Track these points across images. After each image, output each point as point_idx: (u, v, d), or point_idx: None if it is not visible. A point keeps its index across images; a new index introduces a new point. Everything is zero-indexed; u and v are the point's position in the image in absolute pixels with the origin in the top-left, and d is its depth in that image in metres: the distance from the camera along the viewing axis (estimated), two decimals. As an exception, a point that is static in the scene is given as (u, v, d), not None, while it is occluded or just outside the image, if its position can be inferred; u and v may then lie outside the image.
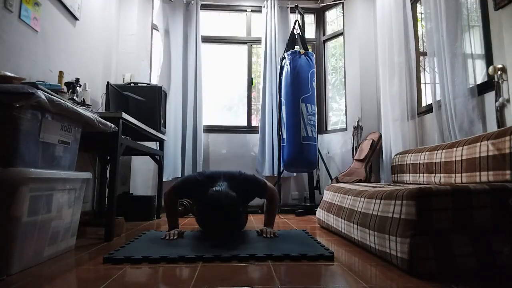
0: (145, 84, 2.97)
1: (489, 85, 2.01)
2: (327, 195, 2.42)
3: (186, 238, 1.92)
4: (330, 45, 4.18)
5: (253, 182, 2.06)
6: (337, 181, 3.13)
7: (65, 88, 2.09)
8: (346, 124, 3.79)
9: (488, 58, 2.05)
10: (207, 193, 1.81)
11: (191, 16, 3.79)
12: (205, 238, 1.92)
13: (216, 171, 2.07)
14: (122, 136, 2.09)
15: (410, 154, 2.46)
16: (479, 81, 2.12)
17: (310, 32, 4.17)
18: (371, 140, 3.28)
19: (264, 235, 1.94)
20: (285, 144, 3.29)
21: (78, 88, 2.18)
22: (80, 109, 1.58)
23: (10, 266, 1.26)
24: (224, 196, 1.78)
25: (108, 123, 1.80)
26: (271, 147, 3.68)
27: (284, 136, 3.31)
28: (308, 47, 3.66)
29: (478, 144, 1.69)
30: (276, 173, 3.53)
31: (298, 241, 1.79)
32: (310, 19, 4.21)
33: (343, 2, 3.92)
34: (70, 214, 1.66)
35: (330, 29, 4.17)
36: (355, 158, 3.39)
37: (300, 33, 3.54)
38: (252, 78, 4.03)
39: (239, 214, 1.88)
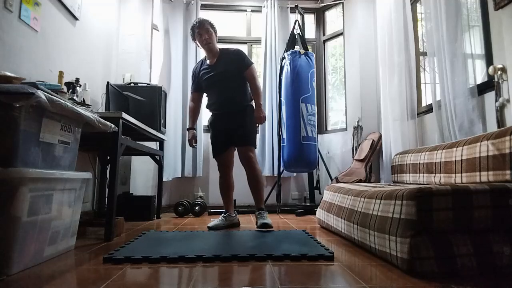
0: (145, 84, 2.97)
1: (489, 85, 2.01)
2: (327, 195, 2.42)
3: (186, 238, 1.92)
4: (330, 45, 4.18)
5: (238, 53, 2.56)
6: (337, 181, 3.13)
7: (65, 88, 2.09)
8: (346, 124, 3.79)
9: (488, 58, 2.05)
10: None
11: (191, 16, 3.79)
12: (205, 238, 1.92)
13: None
14: (122, 136, 2.08)
15: (410, 154, 2.46)
16: (479, 81, 2.12)
17: (310, 32, 4.17)
18: (371, 140, 3.28)
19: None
20: (285, 144, 3.29)
21: (78, 88, 2.19)
22: (80, 109, 1.58)
23: (10, 266, 1.26)
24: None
25: (108, 123, 1.80)
26: (271, 147, 3.68)
27: (284, 136, 3.31)
28: (308, 47, 3.66)
29: (478, 144, 1.69)
30: (276, 173, 3.53)
31: (298, 241, 1.80)
32: (310, 19, 4.21)
33: (343, 2, 3.92)
34: (70, 214, 1.66)
35: (330, 29, 4.17)
36: (355, 158, 3.39)
37: (300, 33, 3.53)
38: (252, 78, 4.02)
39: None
